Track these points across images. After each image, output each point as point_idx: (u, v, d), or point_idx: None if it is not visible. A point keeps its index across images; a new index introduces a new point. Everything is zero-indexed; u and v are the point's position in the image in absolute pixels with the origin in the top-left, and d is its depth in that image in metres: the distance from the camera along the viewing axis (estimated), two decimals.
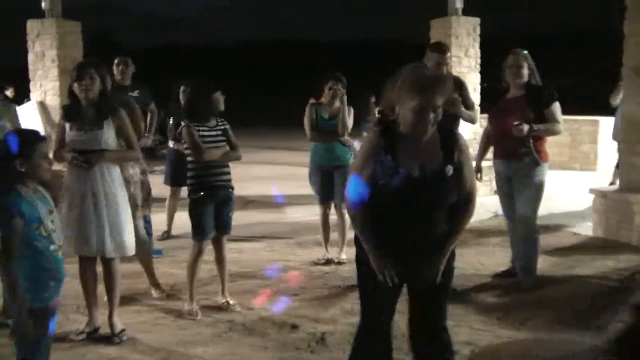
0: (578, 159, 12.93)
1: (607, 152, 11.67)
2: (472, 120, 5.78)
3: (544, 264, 6.14)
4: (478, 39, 10.17)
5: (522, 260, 5.54)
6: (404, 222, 2.95)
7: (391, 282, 2.99)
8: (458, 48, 9.90)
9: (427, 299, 3.13)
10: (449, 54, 5.46)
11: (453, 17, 9.98)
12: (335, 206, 6.27)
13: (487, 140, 5.75)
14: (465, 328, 4.53)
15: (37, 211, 3.02)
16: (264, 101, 35.24)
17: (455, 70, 9.76)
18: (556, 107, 5.40)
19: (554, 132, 5.49)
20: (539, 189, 5.43)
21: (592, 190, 7.46)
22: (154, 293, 5.31)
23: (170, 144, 7.08)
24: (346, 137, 6.16)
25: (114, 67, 6.59)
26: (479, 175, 5.58)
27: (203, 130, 4.84)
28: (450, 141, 2.98)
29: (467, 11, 10.17)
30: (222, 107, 4.94)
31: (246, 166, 5.50)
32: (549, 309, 4.89)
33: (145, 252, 5.31)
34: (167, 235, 7.21)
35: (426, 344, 3.20)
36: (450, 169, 2.92)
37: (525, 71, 5.36)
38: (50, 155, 3.31)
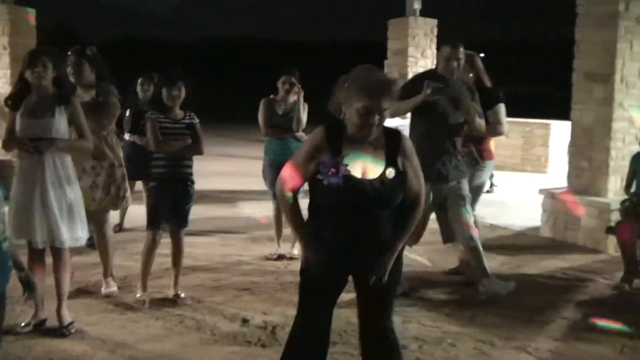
0: (530, 161, 13.21)
1: (558, 155, 11.97)
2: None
3: (493, 262, 6.25)
4: (435, 40, 10.31)
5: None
6: (347, 221, 2.95)
7: (321, 279, 3.01)
8: (415, 48, 10.03)
9: (374, 299, 3.15)
10: (461, 49, 5.13)
11: (411, 17, 10.09)
12: None
13: None
14: (414, 324, 4.60)
15: None
16: (225, 96, 35.10)
17: (411, 70, 9.89)
18: (500, 108, 5.45)
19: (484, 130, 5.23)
20: (481, 186, 5.70)
21: (541, 191, 7.63)
22: (104, 289, 5.13)
23: (126, 136, 6.99)
24: (300, 133, 6.17)
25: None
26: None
27: (165, 122, 4.84)
28: (394, 144, 3.00)
29: (426, 13, 10.30)
30: (180, 99, 4.89)
31: (201, 160, 5.44)
32: (497, 305, 4.99)
33: (106, 246, 5.21)
34: (119, 228, 7.12)
35: (373, 344, 3.21)
36: (392, 172, 2.93)
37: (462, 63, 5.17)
38: None
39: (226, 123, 22.78)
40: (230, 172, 12.35)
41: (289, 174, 3.01)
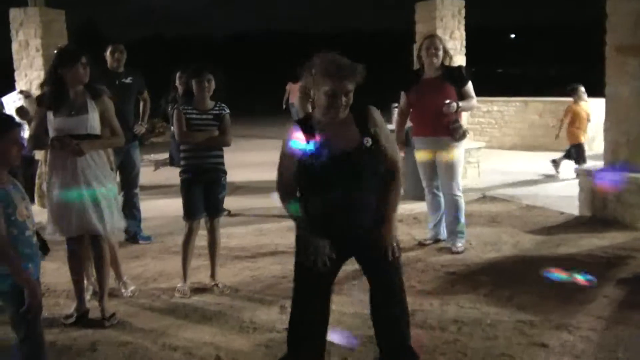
0: (565, 140, 12.95)
1: (594, 132, 11.74)
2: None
3: (530, 243, 6.23)
4: (463, 21, 10.19)
5: (451, 225, 6.02)
6: (336, 200, 3.11)
7: (321, 264, 3.14)
8: (443, 30, 9.91)
9: (380, 265, 3.29)
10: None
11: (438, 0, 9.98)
12: None
13: (403, 119, 6.21)
14: (452, 306, 4.58)
15: (10, 196, 3.00)
16: (256, 91, 35.21)
17: None
18: (470, 84, 5.92)
19: (472, 108, 6.32)
20: (460, 160, 6.02)
21: (578, 170, 7.52)
22: (125, 292, 5.02)
23: (172, 128, 7.10)
24: None
25: (108, 55, 6.54)
26: (402, 149, 6.09)
27: (192, 114, 4.89)
28: (363, 116, 3.19)
29: None
30: (210, 91, 4.92)
31: (235, 153, 5.53)
32: (535, 285, 4.95)
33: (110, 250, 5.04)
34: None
35: (381, 309, 3.36)
36: (368, 140, 3.13)
37: (441, 53, 5.85)
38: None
39: (258, 115, 22.86)
40: (262, 162, 12.38)
41: (281, 176, 3.21)
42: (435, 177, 6.11)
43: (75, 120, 4.33)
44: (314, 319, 3.35)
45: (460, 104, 5.77)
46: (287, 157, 3.19)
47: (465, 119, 5.97)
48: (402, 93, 6.19)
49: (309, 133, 3.14)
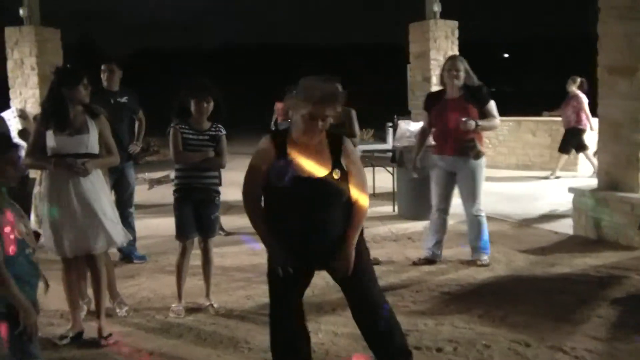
0: (558, 159, 13.03)
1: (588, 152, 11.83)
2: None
3: (524, 262, 6.25)
4: (456, 42, 10.27)
5: (475, 242, 6.16)
6: (299, 219, 3.22)
7: (282, 274, 3.27)
8: (436, 51, 9.99)
9: (351, 285, 3.43)
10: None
11: (431, 20, 10.06)
12: None
13: (423, 139, 6.36)
14: (447, 326, 4.58)
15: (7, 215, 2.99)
16: (246, 105, 35.20)
17: (434, 73, 9.87)
18: (492, 104, 6.04)
19: (494, 127, 6.27)
20: (481, 178, 6.07)
21: (571, 190, 7.56)
22: (119, 312, 4.99)
23: None
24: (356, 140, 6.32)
25: (101, 73, 6.57)
26: (419, 173, 6.37)
27: (188, 133, 4.89)
28: (337, 146, 3.29)
29: (446, 15, 10.26)
30: (208, 112, 4.93)
31: (229, 172, 5.52)
32: (530, 305, 4.96)
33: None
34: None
35: (364, 319, 3.48)
36: (337, 173, 3.23)
37: (462, 74, 5.98)
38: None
39: (253, 132, 22.87)
40: None
41: (247, 185, 3.33)
42: (448, 198, 6.21)
43: (75, 140, 4.37)
44: (291, 336, 3.48)
45: (480, 122, 5.86)
46: (254, 169, 3.31)
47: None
48: (425, 112, 6.32)
49: (281, 148, 3.24)
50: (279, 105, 18.33)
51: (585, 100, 11.29)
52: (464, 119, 5.79)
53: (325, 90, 3.17)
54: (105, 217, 4.45)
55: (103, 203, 4.47)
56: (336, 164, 3.25)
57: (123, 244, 4.87)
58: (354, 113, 6.34)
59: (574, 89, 11.45)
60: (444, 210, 6.23)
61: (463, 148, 5.89)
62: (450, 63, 6.06)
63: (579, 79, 11.47)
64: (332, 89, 3.18)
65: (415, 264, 6.21)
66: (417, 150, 6.39)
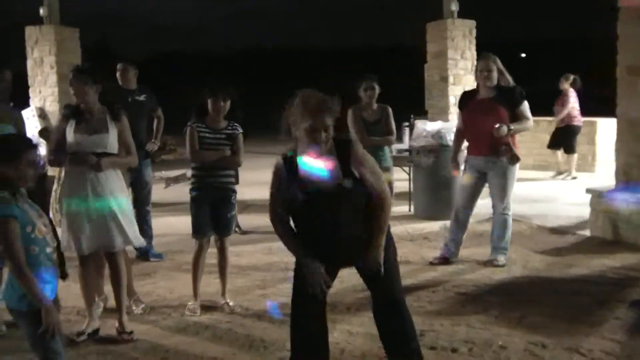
0: (569, 160, 12.94)
1: (605, 153, 11.73)
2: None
3: (541, 264, 6.21)
4: (474, 42, 10.23)
5: (495, 242, 6.16)
6: (322, 228, 3.28)
7: (311, 289, 3.32)
8: (454, 50, 9.97)
9: (376, 282, 3.47)
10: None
11: (449, 19, 10.04)
12: None
13: (460, 138, 6.34)
14: (463, 326, 4.56)
15: (28, 215, 3.02)
16: (264, 108, 35.34)
17: (452, 73, 9.84)
18: (525, 105, 5.99)
19: (526, 129, 6.17)
20: (513, 180, 6.09)
21: (589, 190, 7.50)
22: (135, 310, 5.02)
23: None
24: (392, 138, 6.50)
25: (117, 73, 6.63)
26: (458, 170, 6.35)
27: (204, 132, 4.92)
28: (345, 155, 3.27)
29: (463, 14, 10.24)
30: (225, 111, 4.96)
31: (245, 170, 5.59)
32: (546, 306, 4.93)
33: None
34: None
35: (384, 316, 3.51)
36: (349, 182, 3.23)
37: (495, 74, 5.92)
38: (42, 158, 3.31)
39: (270, 131, 22.92)
40: None
41: (272, 213, 3.38)
42: (475, 198, 6.21)
43: (95, 138, 4.43)
44: (313, 336, 3.51)
45: (512, 126, 5.84)
46: (273, 196, 3.36)
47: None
48: (459, 112, 6.35)
49: (291, 167, 3.29)
50: None
51: (573, 96, 11.26)
52: (496, 126, 5.75)
53: (321, 98, 3.19)
54: (122, 216, 4.49)
55: (121, 202, 4.51)
56: (346, 172, 3.26)
57: (138, 244, 4.89)
58: (390, 110, 6.36)
59: (566, 86, 11.42)
60: (469, 209, 6.24)
61: (495, 149, 5.87)
62: (483, 63, 5.99)
63: (571, 77, 11.43)
64: (325, 98, 3.20)
65: (432, 263, 6.20)
66: (455, 148, 6.38)
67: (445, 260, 6.20)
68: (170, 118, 8.05)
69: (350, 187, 3.23)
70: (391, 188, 6.33)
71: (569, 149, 11.65)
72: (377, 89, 6.42)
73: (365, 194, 3.29)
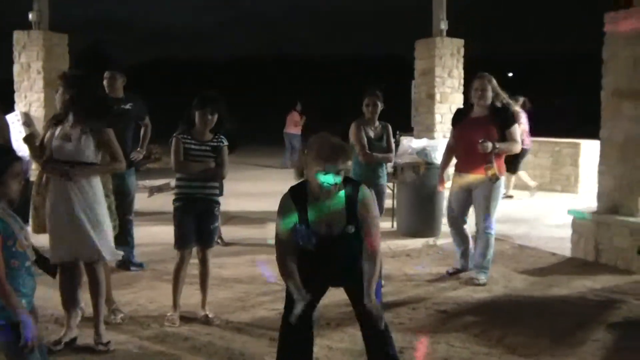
0: (559, 181, 13.07)
1: (588, 174, 11.83)
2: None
3: (522, 283, 6.23)
4: (462, 60, 10.31)
5: (478, 259, 6.18)
6: (324, 267, 3.44)
7: (296, 319, 3.37)
8: (442, 68, 10.04)
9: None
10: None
11: (437, 38, 10.11)
12: None
13: (449, 154, 6.45)
14: (443, 344, 4.56)
15: (10, 228, 2.96)
16: (257, 117, 35.38)
17: (439, 90, 9.90)
18: (516, 128, 6.10)
19: (513, 151, 6.18)
20: (496, 198, 6.11)
21: (571, 212, 7.55)
22: (114, 319, 4.96)
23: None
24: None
25: (104, 82, 6.58)
26: (444, 185, 6.56)
27: (190, 143, 4.91)
28: (354, 199, 3.38)
29: (452, 33, 10.32)
30: (212, 124, 4.96)
31: (230, 182, 5.56)
32: (526, 326, 4.95)
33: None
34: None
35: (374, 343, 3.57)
36: (351, 228, 3.37)
37: (489, 93, 6.04)
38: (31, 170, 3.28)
39: (255, 143, 22.94)
40: (257, 192, 12.42)
41: (281, 256, 3.43)
42: (464, 214, 6.31)
43: (70, 147, 4.38)
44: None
45: (498, 145, 5.91)
46: (283, 242, 3.41)
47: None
48: (451, 128, 6.45)
49: (301, 205, 3.37)
50: (293, 116, 18.57)
51: (522, 118, 11.22)
52: (480, 141, 5.84)
53: (334, 145, 3.26)
54: (95, 230, 4.40)
55: (97, 214, 4.43)
56: (351, 219, 3.37)
57: (111, 260, 4.76)
58: (390, 128, 6.39)
59: (516, 108, 11.39)
60: (461, 222, 6.33)
61: (480, 167, 5.95)
62: (478, 82, 6.09)
63: (521, 99, 11.37)
64: (340, 144, 3.28)
65: (448, 273, 6.39)
66: (443, 164, 6.52)
67: (458, 272, 6.37)
68: (162, 125, 8.03)
69: (353, 232, 3.37)
70: (382, 207, 6.34)
71: (512, 169, 11.55)
72: (380, 106, 6.36)
73: (361, 242, 3.42)
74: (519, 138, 6.12)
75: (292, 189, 3.45)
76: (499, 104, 6.09)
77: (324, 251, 3.39)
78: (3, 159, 3.00)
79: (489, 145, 5.83)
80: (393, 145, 6.38)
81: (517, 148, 6.17)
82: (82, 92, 4.48)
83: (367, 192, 3.46)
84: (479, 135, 5.90)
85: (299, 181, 3.45)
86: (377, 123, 6.39)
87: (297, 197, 3.39)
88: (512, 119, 6.09)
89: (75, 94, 4.45)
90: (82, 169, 4.37)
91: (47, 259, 3.37)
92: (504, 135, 6.00)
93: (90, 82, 4.65)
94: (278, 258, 3.45)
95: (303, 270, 3.42)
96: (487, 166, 5.91)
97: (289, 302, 3.48)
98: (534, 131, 12.02)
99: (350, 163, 3.37)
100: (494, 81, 6.07)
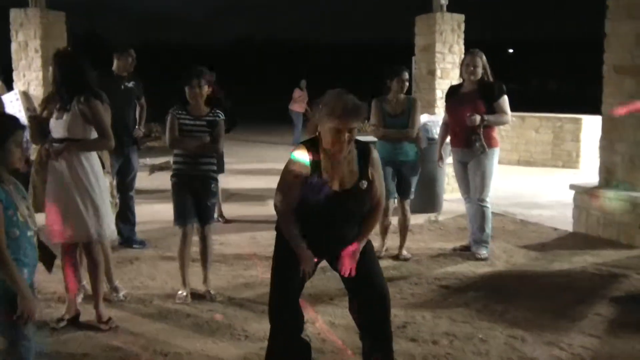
0: (561, 156, 13.05)
1: (590, 150, 11.81)
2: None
3: (524, 258, 6.24)
4: (462, 36, 10.23)
5: (476, 234, 6.23)
6: (325, 227, 3.37)
7: (302, 274, 3.37)
8: (442, 44, 9.96)
9: (358, 282, 3.48)
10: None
11: (437, 13, 10.02)
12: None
13: (445, 130, 6.48)
14: (445, 319, 4.57)
15: (11, 197, 2.95)
16: (256, 97, 35.36)
17: (439, 66, 9.84)
18: (504, 100, 6.13)
19: (502, 122, 6.29)
20: (490, 171, 6.13)
21: (572, 187, 7.54)
22: (115, 297, 4.98)
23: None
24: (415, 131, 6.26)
25: (120, 59, 6.49)
26: (442, 161, 6.65)
27: (185, 119, 4.89)
28: (366, 157, 3.40)
29: (452, 8, 10.22)
30: (203, 97, 4.94)
31: (230, 159, 5.55)
32: (528, 301, 4.95)
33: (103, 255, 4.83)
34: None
35: (366, 314, 3.52)
36: (364, 184, 3.36)
37: (480, 70, 6.11)
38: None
39: (255, 122, 22.88)
40: (258, 169, 12.39)
41: (284, 204, 3.35)
42: (469, 186, 6.32)
43: (58, 124, 4.37)
44: (291, 324, 3.52)
45: (487, 117, 5.97)
46: (291, 186, 3.33)
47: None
48: (445, 105, 6.51)
49: (314, 162, 3.32)
50: (296, 94, 18.53)
51: None
52: (468, 114, 5.91)
53: (349, 104, 3.23)
54: (91, 210, 4.36)
55: (93, 194, 4.38)
56: (363, 175, 3.36)
57: (105, 238, 4.67)
58: (417, 103, 6.22)
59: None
60: (467, 195, 6.37)
61: (471, 141, 6.01)
62: (469, 58, 6.17)
63: None
64: (354, 103, 3.24)
65: (455, 250, 6.43)
66: (440, 140, 6.57)
67: (466, 248, 6.39)
68: (157, 105, 8.02)
69: (364, 189, 3.35)
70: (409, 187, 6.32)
71: None
72: (407, 84, 6.25)
73: (369, 201, 3.41)
74: (508, 110, 6.17)
75: (304, 142, 3.42)
76: (487, 79, 6.16)
77: (330, 210, 3.33)
78: (7, 125, 3.00)
79: (477, 118, 5.91)
80: (416, 120, 6.15)
81: (507, 119, 6.26)
82: (70, 71, 4.43)
83: (377, 154, 3.48)
84: (467, 110, 5.98)
85: (311, 136, 3.42)
86: (401, 97, 6.17)
87: (311, 150, 3.36)
88: (500, 92, 6.12)
89: (64, 72, 4.42)
90: (63, 146, 4.32)
91: (53, 255, 3.37)
92: (493, 108, 6.05)
93: (79, 61, 4.53)
94: (282, 217, 3.40)
95: (307, 236, 3.38)
96: (474, 137, 5.96)
97: (283, 264, 3.47)
98: (536, 108, 11.98)
99: (362, 119, 3.33)
100: (484, 58, 6.14)
